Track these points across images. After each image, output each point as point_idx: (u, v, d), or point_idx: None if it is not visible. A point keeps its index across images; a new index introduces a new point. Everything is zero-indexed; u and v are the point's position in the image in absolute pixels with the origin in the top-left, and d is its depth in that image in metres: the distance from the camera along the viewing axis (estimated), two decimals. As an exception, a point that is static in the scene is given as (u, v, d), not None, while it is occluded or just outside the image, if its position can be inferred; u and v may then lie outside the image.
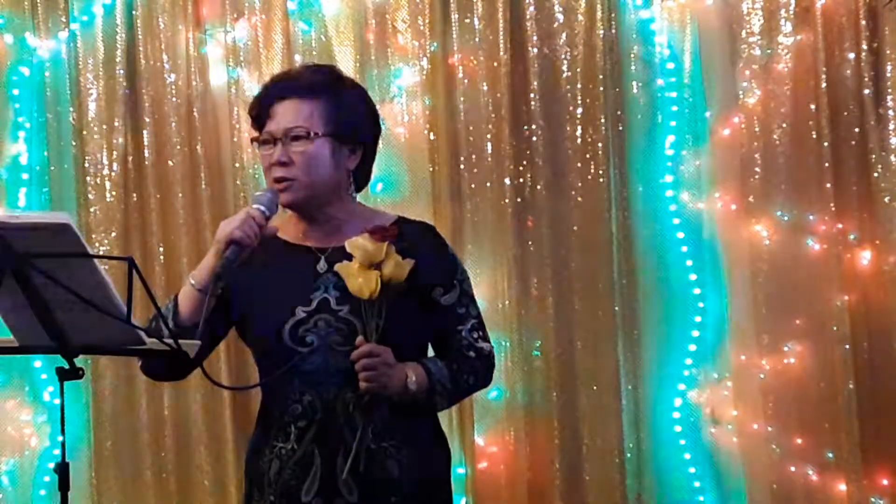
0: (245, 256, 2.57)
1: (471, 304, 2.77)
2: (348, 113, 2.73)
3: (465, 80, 4.53)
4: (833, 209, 4.33)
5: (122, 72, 4.65)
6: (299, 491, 2.63)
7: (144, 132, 4.65)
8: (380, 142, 4.46)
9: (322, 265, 2.69)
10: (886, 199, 4.32)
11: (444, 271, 2.74)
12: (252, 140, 2.76)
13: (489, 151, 4.51)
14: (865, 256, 4.37)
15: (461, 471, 4.46)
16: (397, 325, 2.59)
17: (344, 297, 2.62)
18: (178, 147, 4.63)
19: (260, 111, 2.72)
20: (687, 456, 4.45)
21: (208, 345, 2.64)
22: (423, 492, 2.68)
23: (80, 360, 2.35)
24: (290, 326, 2.64)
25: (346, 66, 4.56)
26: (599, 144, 4.46)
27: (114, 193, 4.65)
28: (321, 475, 2.62)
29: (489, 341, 2.79)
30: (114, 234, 4.64)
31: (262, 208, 2.61)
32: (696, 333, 4.46)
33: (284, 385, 2.65)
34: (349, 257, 2.58)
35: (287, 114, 2.67)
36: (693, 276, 4.46)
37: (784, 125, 4.38)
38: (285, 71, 2.91)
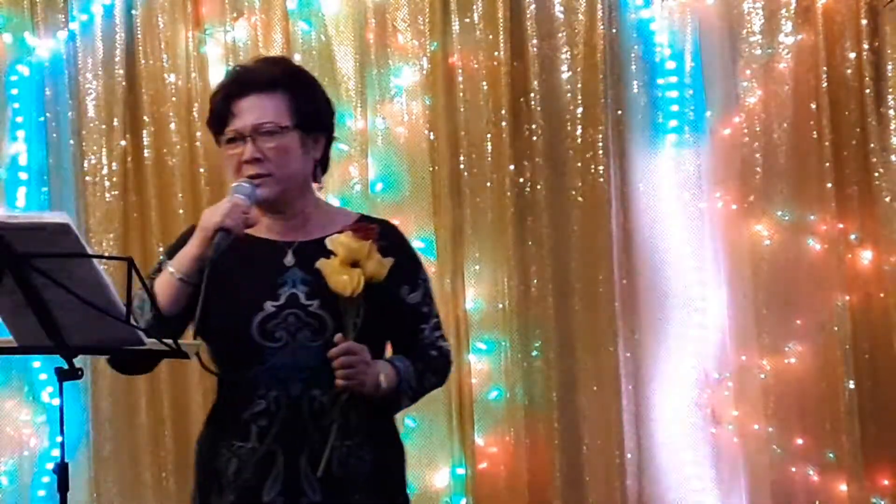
0: (229, 243, 2.53)
1: (432, 304, 2.77)
2: (310, 103, 2.70)
3: (465, 80, 4.52)
4: (834, 209, 4.33)
5: (121, 71, 4.64)
6: (260, 490, 2.60)
7: (144, 132, 4.64)
8: (379, 142, 4.57)
9: (289, 259, 2.66)
10: (887, 199, 4.32)
11: (410, 270, 2.72)
12: (217, 139, 2.70)
13: (489, 151, 4.51)
14: (866, 256, 4.37)
15: (461, 471, 4.46)
16: (367, 323, 2.57)
17: (314, 292, 2.60)
18: (178, 147, 4.62)
19: (222, 109, 2.68)
20: (687, 456, 4.44)
21: (179, 332, 2.56)
22: (383, 491, 2.67)
23: (79, 360, 2.35)
24: (259, 321, 2.60)
25: (346, 65, 4.56)
26: (599, 144, 4.46)
27: (113, 193, 4.64)
28: (284, 474, 2.59)
29: (447, 341, 2.79)
30: (113, 235, 4.64)
31: (244, 198, 2.58)
32: (696, 333, 4.45)
33: (249, 381, 2.61)
34: (318, 252, 2.57)
35: (253, 110, 2.63)
36: (693, 276, 4.45)
37: (785, 125, 4.38)
38: (243, 66, 2.84)
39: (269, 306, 2.61)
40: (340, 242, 2.54)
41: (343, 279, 2.52)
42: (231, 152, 2.66)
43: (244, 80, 2.69)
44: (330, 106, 2.78)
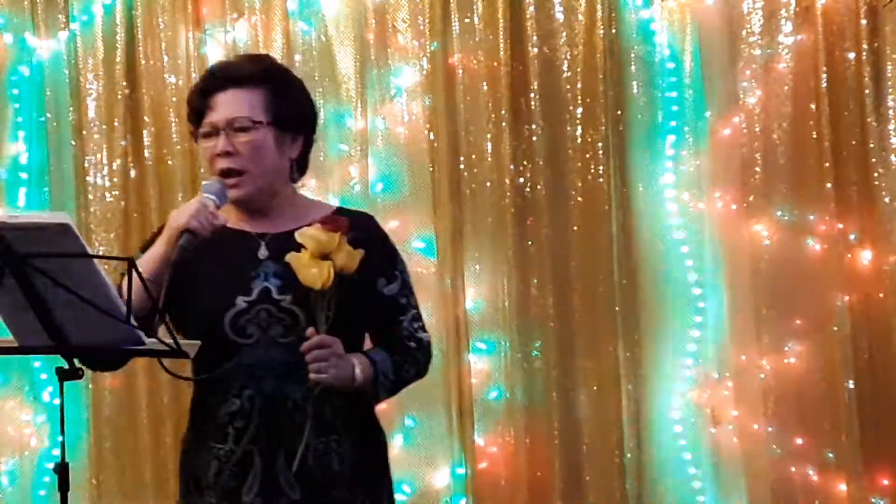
0: (196, 245, 2.51)
1: (411, 295, 2.75)
2: (290, 101, 2.68)
3: (465, 80, 4.53)
4: (833, 209, 4.33)
5: (121, 72, 4.65)
6: (239, 492, 2.59)
7: (144, 132, 4.65)
8: (379, 142, 4.58)
9: (263, 252, 2.64)
10: (887, 199, 4.32)
11: (386, 262, 2.71)
12: (192, 133, 2.70)
13: (489, 151, 4.51)
14: (866, 256, 4.37)
15: (461, 470, 4.46)
16: (341, 316, 2.54)
17: (286, 287, 2.58)
18: (178, 147, 4.63)
19: (199, 103, 2.67)
20: (687, 456, 4.45)
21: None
22: (364, 482, 2.65)
23: (79, 360, 2.35)
24: (231, 317, 2.58)
25: (347, 66, 4.57)
26: (599, 144, 4.46)
27: (114, 193, 4.65)
28: (262, 475, 2.58)
29: (427, 332, 2.76)
30: (113, 235, 4.64)
31: (214, 198, 2.57)
32: (696, 333, 4.46)
33: (223, 379, 2.59)
34: (291, 245, 2.54)
35: (229, 104, 2.63)
36: (693, 276, 4.46)
37: (784, 125, 4.38)
38: (223, 62, 2.85)
39: (241, 301, 2.59)
40: (309, 235, 2.52)
41: (313, 272, 2.50)
42: (206, 146, 2.65)
43: (223, 75, 2.68)
44: (312, 107, 2.77)
